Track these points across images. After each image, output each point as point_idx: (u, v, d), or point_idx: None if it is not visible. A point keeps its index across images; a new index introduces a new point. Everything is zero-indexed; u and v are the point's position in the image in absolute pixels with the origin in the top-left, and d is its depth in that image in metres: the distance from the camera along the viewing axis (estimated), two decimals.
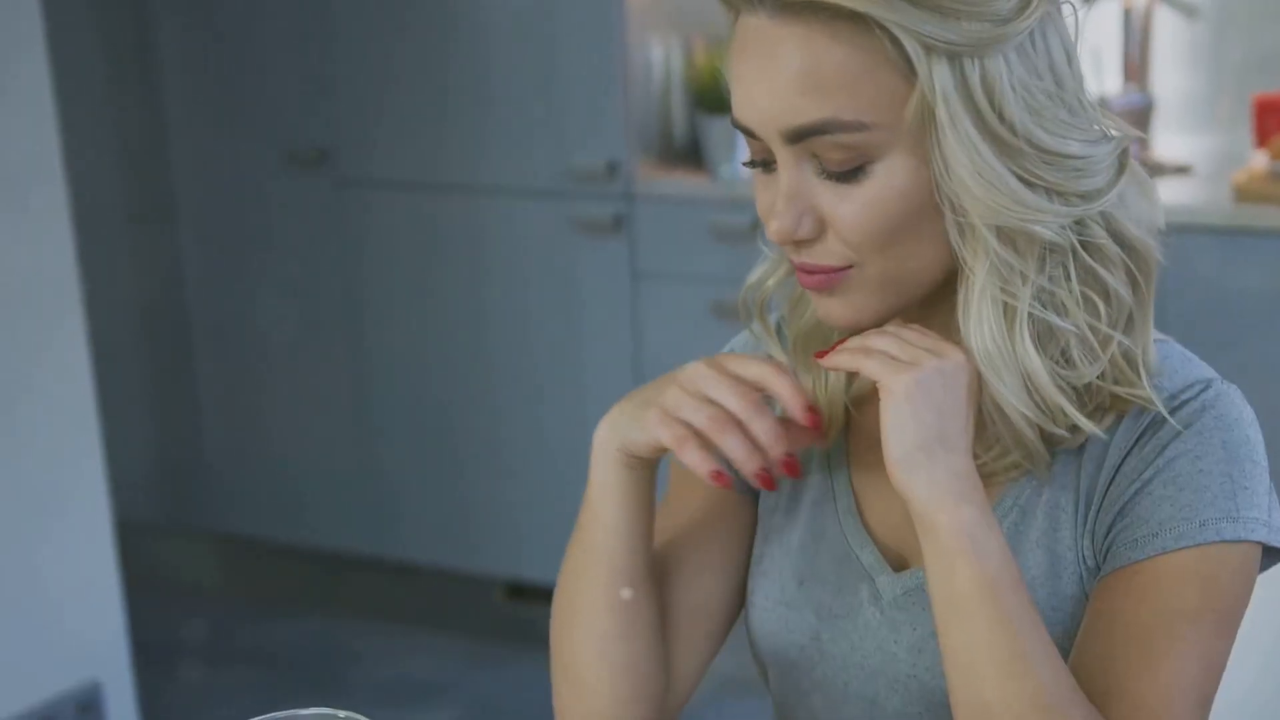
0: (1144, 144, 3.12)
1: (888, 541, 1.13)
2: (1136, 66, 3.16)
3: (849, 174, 0.99)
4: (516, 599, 3.52)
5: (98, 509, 2.95)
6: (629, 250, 3.17)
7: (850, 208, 1.00)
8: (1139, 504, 1.03)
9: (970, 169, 0.97)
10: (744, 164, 1.07)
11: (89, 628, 2.96)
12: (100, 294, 3.58)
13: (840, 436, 1.17)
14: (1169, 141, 3.19)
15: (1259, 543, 1.03)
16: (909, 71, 0.97)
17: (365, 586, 3.72)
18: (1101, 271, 1.03)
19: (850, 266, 1.02)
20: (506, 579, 3.51)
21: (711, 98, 3.16)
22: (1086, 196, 1.01)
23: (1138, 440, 1.04)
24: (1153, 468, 1.03)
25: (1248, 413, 1.06)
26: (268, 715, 0.98)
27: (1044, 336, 1.02)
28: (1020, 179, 0.98)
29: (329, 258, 3.53)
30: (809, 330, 1.15)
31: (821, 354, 1.03)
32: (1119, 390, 1.04)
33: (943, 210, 1.00)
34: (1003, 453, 1.06)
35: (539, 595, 3.50)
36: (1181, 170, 3.01)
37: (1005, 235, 0.99)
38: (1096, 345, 1.03)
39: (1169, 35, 3.20)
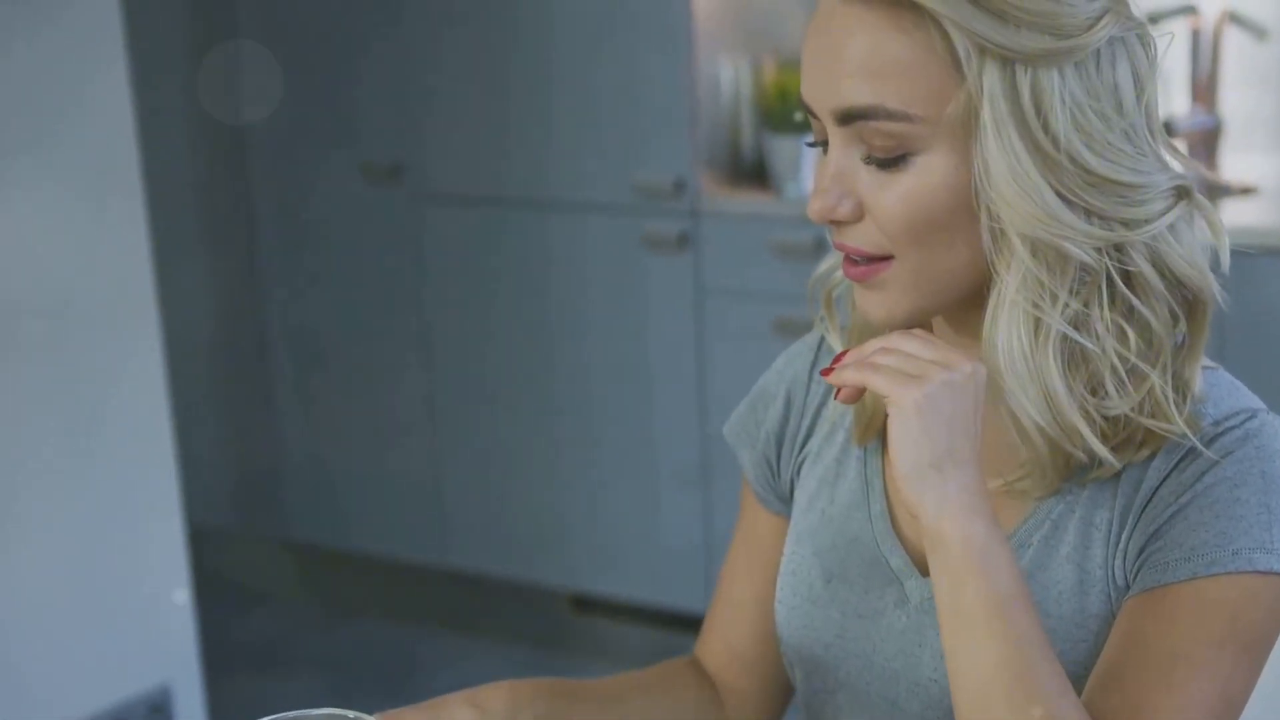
0: (1210, 166, 3.12)
1: (919, 545, 1.14)
2: (1204, 88, 3.15)
3: (891, 162, 1.00)
4: (583, 611, 3.55)
5: (170, 514, 2.99)
6: (694, 267, 3.19)
7: (888, 196, 1.01)
8: (1173, 528, 1.02)
9: (1008, 175, 0.97)
10: (807, 144, 1.09)
11: (160, 631, 3.00)
12: (180, 302, 3.65)
13: (878, 439, 1.19)
14: (1236, 163, 3.17)
15: None
16: (961, 71, 0.97)
17: (433, 596, 3.76)
18: (1137, 302, 1.02)
19: (888, 258, 1.03)
20: (571, 591, 3.54)
21: (779, 117, 3.18)
22: (1128, 224, 1.00)
23: (1178, 464, 1.03)
24: (1190, 492, 1.02)
25: None
26: (278, 715, 1.01)
27: (1073, 359, 1.01)
28: (1058, 194, 0.98)
29: (401, 271, 3.58)
30: (861, 323, 1.16)
31: (827, 370, 1.02)
32: (1150, 424, 1.03)
33: (978, 214, 1.00)
34: (1022, 481, 1.06)
35: (605, 608, 3.52)
36: (1247, 191, 3.00)
37: (1038, 249, 0.99)
38: (1125, 376, 1.02)
39: (1238, 56, 3.19)
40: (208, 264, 3.87)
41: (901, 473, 0.97)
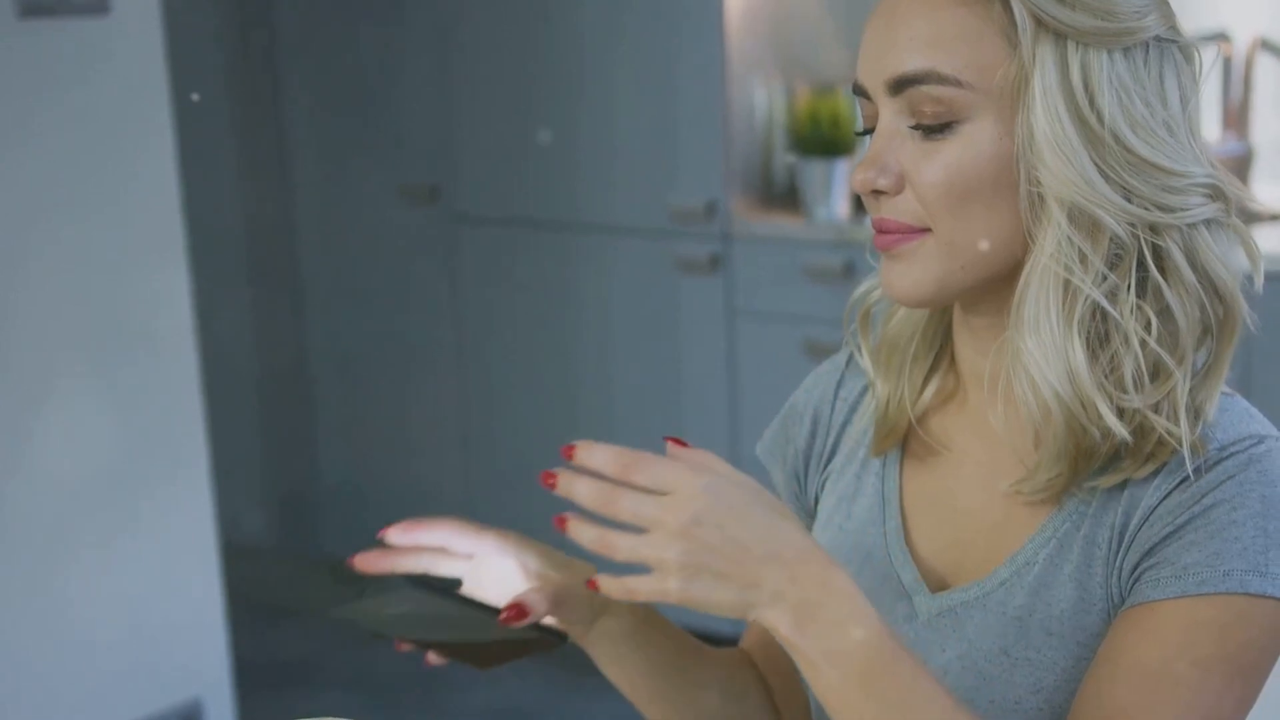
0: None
1: (931, 562, 1.14)
2: (1236, 115, 3.16)
3: (937, 130, 1.03)
4: None
5: (203, 530, 3.01)
6: (725, 289, 3.21)
7: (931, 165, 1.04)
8: (1168, 546, 1.02)
9: (1052, 143, 1.00)
10: (857, 133, 1.12)
11: (192, 646, 3.02)
12: (221, 321, 3.68)
13: (897, 453, 1.20)
14: (1267, 190, 3.18)
15: None
16: (1016, 42, 1.02)
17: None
18: (1167, 292, 1.03)
19: (923, 231, 1.05)
20: None
21: (811, 141, 3.20)
22: (1163, 209, 1.02)
23: (1179, 484, 1.03)
24: (1188, 513, 1.01)
25: None
26: None
27: (1097, 340, 1.03)
28: (1099, 170, 1.01)
29: (437, 291, 3.61)
30: (886, 338, 1.19)
31: (592, 583, 0.98)
32: (1161, 423, 1.02)
33: (1018, 181, 1.02)
34: (1038, 472, 1.07)
35: None
36: (1277, 218, 3.01)
37: (1074, 215, 1.01)
38: (1145, 371, 1.03)
39: (1270, 83, 3.19)
40: (249, 283, 3.91)
41: (738, 617, 0.95)
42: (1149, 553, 1.03)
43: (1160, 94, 1.03)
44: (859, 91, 1.08)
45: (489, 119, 3.46)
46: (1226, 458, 1.03)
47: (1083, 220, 1.01)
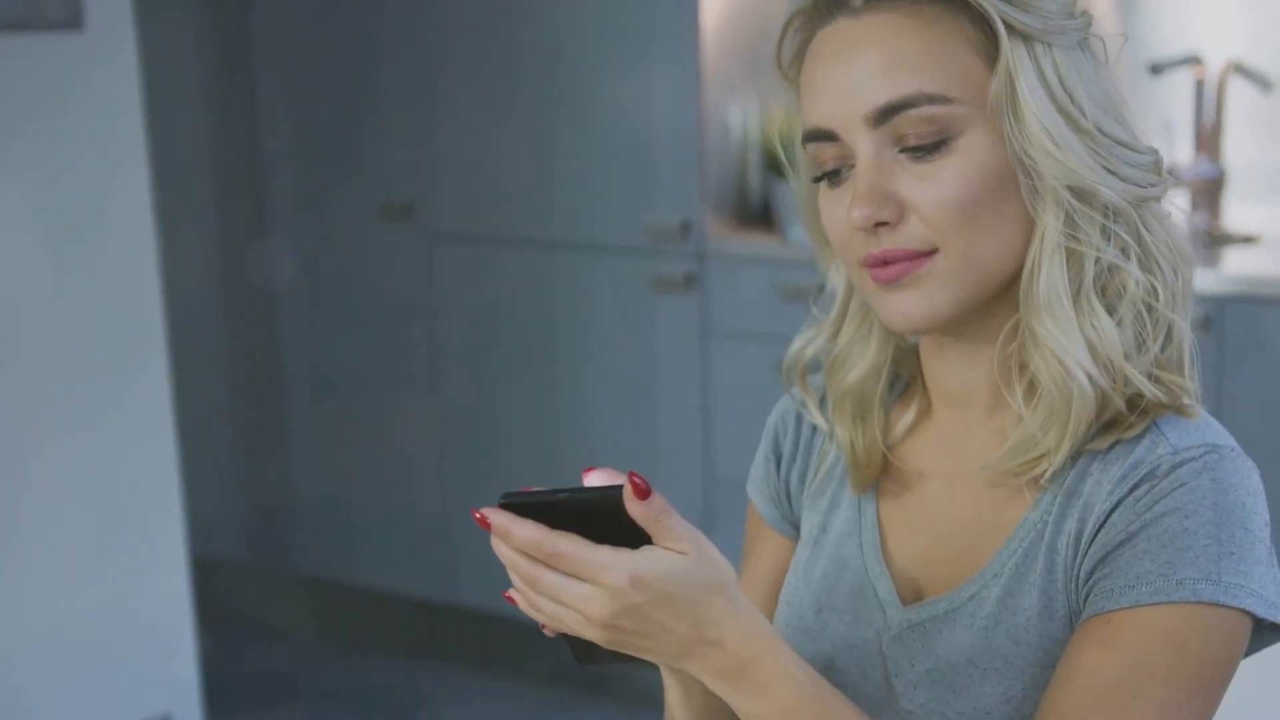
0: (1213, 215, 3.14)
1: (908, 574, 1.15)
2: (1208, 137, 3.17)
3: (931, 149, 1.05)
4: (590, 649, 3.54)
5: (174, 545, 3.01)
6: (700, 308, 3.21)
7: (932, 185, 1.05)
8: (1121, 555, 1.02)
9: (1050, 136, 1.03)
10: (813, 180, 1.11)
11: (162, 662, 3.02)
12: (196, 336, 3.68)
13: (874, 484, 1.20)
14: (1240, 212, 3.19)
15: (1247, 612, 1.01)
16: (986, 53, 1.04)
17: (441, 632, 3.77)
18: (1160, 257, 1.07)
19: (931, 252, 1.06)
20: None
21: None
22: (1141, 184, 1.06)
23: (1132, 491, 1.04)
24: (1140, 521, 1.02)
25: (1251, 483, 1.04)
26: None
27: (1110, 307, 1.06)
28: (1090, 153, 1.05)
29: (413, 309, 3.61)
30: (846, 390, 1.19)
31: (509, 596, 1.02)
32: (1164, 376, 1.06)
33: (1018, 178, 1.05)
34: (1023, 450, 1.07)
35: None
36: (1249, 240, 3.03)
37: (1077, 193, 1.04)
38: (1149, 327, 1.06)
39: (1242, 106, 3.21)
40: (224, 298, 3.90)
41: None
42: (1102, 561, 1.03)
43: (1102, 82, 1.07)
44: (818, 136, 1.08)
45: (465, 136, 3.47)
46: (1181, 464, 1.03)
47: (1084, 195, 1.04)
